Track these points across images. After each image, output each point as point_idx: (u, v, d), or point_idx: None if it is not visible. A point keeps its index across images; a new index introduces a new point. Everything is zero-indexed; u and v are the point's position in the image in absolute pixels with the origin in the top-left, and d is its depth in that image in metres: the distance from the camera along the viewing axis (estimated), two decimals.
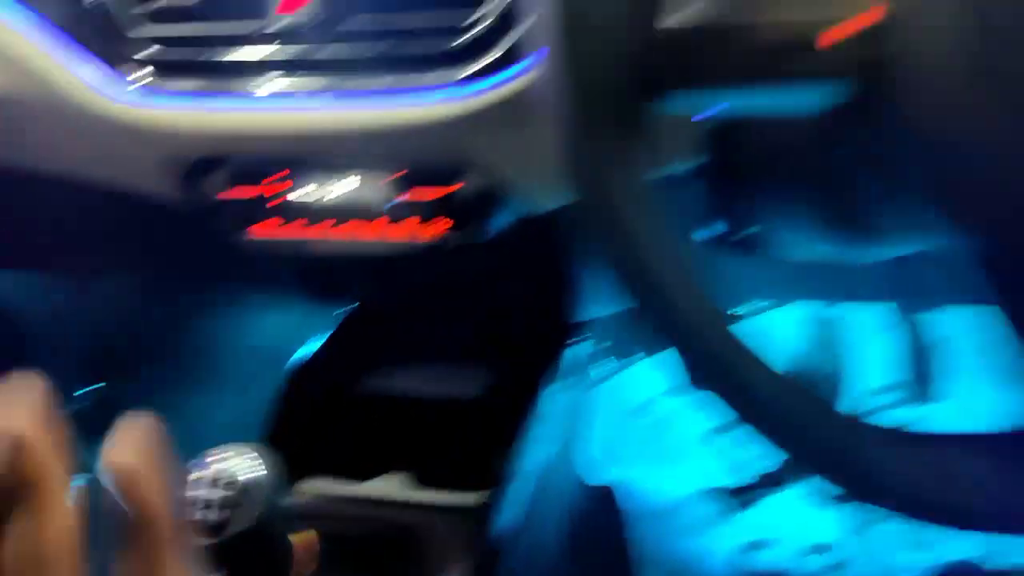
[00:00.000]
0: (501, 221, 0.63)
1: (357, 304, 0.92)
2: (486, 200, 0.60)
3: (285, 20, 0.54)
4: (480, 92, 0.52)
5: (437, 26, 0.52)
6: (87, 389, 1.38)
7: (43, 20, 0.60)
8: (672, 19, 0.29)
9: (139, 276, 1.18)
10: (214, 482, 0.45)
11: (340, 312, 0.93)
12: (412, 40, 0.53)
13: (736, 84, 0.31)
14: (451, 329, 0.88)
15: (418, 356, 0.88)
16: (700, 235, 0.72)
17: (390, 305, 0.91)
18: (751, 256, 0.65)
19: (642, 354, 1.24)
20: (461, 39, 0.52)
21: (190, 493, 0.44)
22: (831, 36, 0.29)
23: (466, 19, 0.52)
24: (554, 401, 0.82)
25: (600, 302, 0.86)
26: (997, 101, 0.25)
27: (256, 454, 0.47)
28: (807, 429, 0.30)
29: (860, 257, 0.51)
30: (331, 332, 0.91)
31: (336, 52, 0.55)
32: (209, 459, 0.47)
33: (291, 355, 1.37)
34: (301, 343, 1.31)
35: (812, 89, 0.31)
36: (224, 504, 0.44)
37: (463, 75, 0.52)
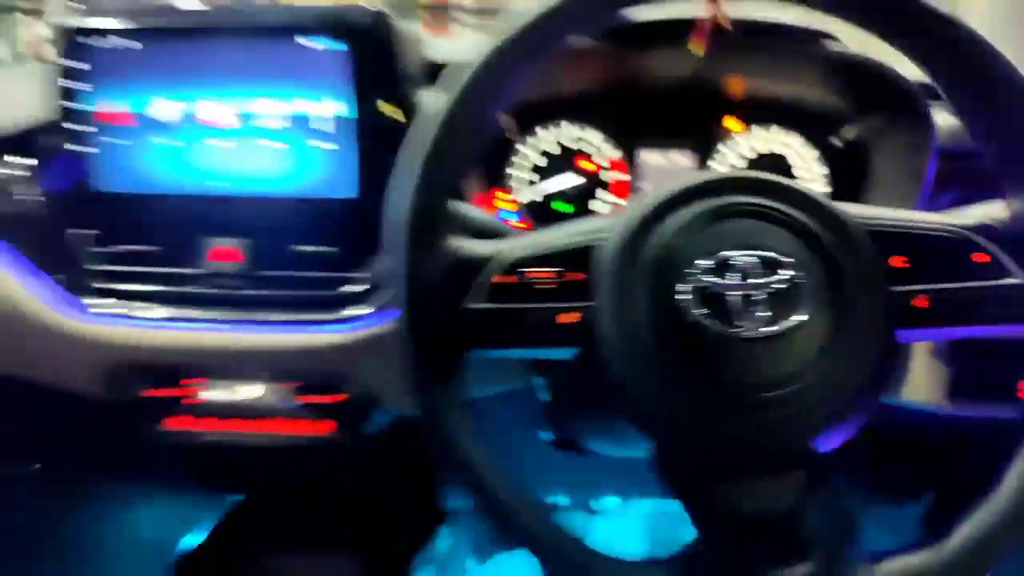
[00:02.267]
0: (375, 424, 0.80)
1: (243, 496, 1.02)
2: (362, 407, 0.77)
3: (215, 266, 0.73)
4: (356, 328, 0.71)
5: (330, 280, 0.73)
6: None
7: (11, 248, 0.76)
8: (473, 302, 0.49)
9: (37, 468, 1.23)
10: None
11: (227, 503, 1.02)
12: (310, 288, 0.73)
13: (513, 346, 0.51)
14: (329, 518, 0.99)
15: (298, 544, 0.98)
16: (535, 437, 0.91)
17: (275, 496, 1.02)
18: (575, 454, 0.84)
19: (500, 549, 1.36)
20: (345, 289, 0.72)
21: None
22: (565, 318, 0.50)
23: (349, 277, 0.73)
24: None
25: (459, 494, 1.01)
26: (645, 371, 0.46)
27: None
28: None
29: (630, 454, 0.71)
30: (216, 523, 1.00)
31: (253, 293, 0.73)
32: None
33: (173, 549, 1.40)
34: (183, 537, 1.35)
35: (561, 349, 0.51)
36: None
37: (345, 315, 0.71)
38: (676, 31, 0.68)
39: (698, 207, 0.47)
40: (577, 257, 0.49)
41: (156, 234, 0.75)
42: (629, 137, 0.81)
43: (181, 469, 0.95)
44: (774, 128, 0.79)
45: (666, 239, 0.47)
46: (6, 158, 0.78)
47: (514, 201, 0.82)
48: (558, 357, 0.51)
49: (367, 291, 0.73)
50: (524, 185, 0.82)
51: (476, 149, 0.51)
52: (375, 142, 0.71)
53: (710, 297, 0.45)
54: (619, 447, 0.77)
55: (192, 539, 0.95)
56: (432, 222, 0.50)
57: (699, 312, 0.45)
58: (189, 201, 0.74)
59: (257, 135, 0.72)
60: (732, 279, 0.45)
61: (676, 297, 0.45)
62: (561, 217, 0.81)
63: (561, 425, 0.82)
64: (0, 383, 0.81)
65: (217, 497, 1.05)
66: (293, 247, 0.73)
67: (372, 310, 0.72)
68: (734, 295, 0.45)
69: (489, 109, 0.51)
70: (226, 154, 0.73)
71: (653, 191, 0.50)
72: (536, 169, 0.83)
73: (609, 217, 0.51)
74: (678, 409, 0.46)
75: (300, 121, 0.72)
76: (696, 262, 0.45)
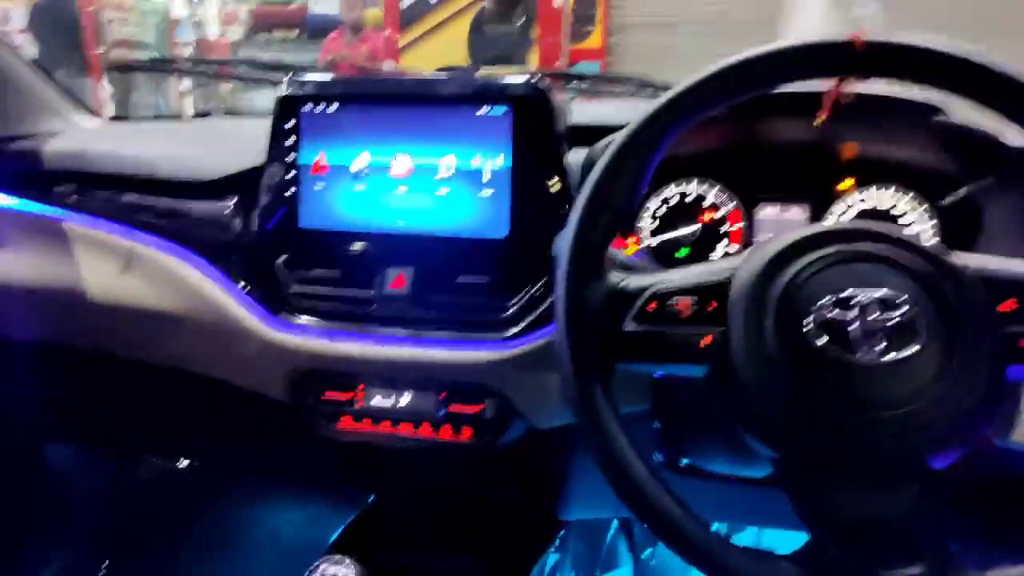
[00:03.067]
0: (509, 435, 0.91)
1: (377, 495, 1.14)
2: (500, 418, 0.89)
3: (389, 291, 0.87)
4: (504, 348, 0.83)
5: (489, 304, 0.85)
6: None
7: (227, 273, 0.93)
8: (628, 325, 0.60)
9: (206, 460, 1.41)
10: None
11: (362, 502, 1.15)
12: (467, 312, 0.86)
13: (659, 362, 0.61)
14: (457, 520, 1.10)
15: (426, 544, 1.09)
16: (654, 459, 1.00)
17: (408, 495, 1.13)
18: (689, 480, 0.92)
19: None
20: (504, 314, 0.85)
21: None
22: (702, 340, 0.60)
23: (500, 303, 0.85)
24: None
25: (584, 507, 1.10)
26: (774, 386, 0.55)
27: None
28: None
29: (752, 473, 0.79)
30: (351, 520, 1.12)
31: (420, 314, 0.87)
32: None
33: (313, 546, 1.54)
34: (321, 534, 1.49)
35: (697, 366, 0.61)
36: None
37: (502, 336, 0.83)
38: (799, 102, 0.77)
39: (822, 251, 0.57)
40: (714, 290, 0.59)
41: (342, 263, 0.90)
42: (748, 192, 0.91)
43: (334, 467, 1.08)
44: (886, 188, 0.87)
45: (794, 276, 0.56)
46: (225, 196, 0.96)
47: (638, 244, 0.93)
48: (693, 373, 0.61)
49: (515, 315, 0.85)
50: (648, 231, 0.93)
51: (629, 199, 0.63)
52: (526, 190, 0.84)
53: (833, 328, 0.54)
54: (737, 465, 0.85)
55: (329, 536, 1.07)
56: (591, 259, 0.62)
57: (823, 341, 0.54)
58: (371, 237, 0.89)
59: (429, 183, 0.87)
60: (852, 314, 0.54)
61: (803, 327, 0.54)
62: (681, 262, 0.91)
63: (675, 446, 0.90)
64: (198, 382, 0.98)
65: (355, 496, 1.17)
66: (454, 277, 0.87)
67: (518, 332, 0.84)
68: (855, 328, 0.53)
69: (642, 165, 0.62)
70: (403, 198, 0.88)
71: (779, 237, 0.60)
72: (661, 217, 0.93)
73: (739, 257, 0.61)
74: (801, 424, 0.54)
75: (464, 172, 0.86)
76: (821, 299, 0.55)
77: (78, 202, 1.01)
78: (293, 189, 0.90)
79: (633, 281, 0.62)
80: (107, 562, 1.54)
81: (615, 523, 1.44)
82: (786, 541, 0.62)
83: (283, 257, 0.92)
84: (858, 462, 0.54)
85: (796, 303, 0.55)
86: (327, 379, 0.91)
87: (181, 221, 0.96)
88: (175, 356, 1.02)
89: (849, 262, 0.56)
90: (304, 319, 0.89)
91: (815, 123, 0.70)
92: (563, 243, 0.62)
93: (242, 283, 0.92)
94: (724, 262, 0.62)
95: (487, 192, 0.85)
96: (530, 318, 0.84)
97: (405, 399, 0.91)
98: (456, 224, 0.87)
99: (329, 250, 0.90)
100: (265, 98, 0.98)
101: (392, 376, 0.90)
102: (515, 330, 0.84)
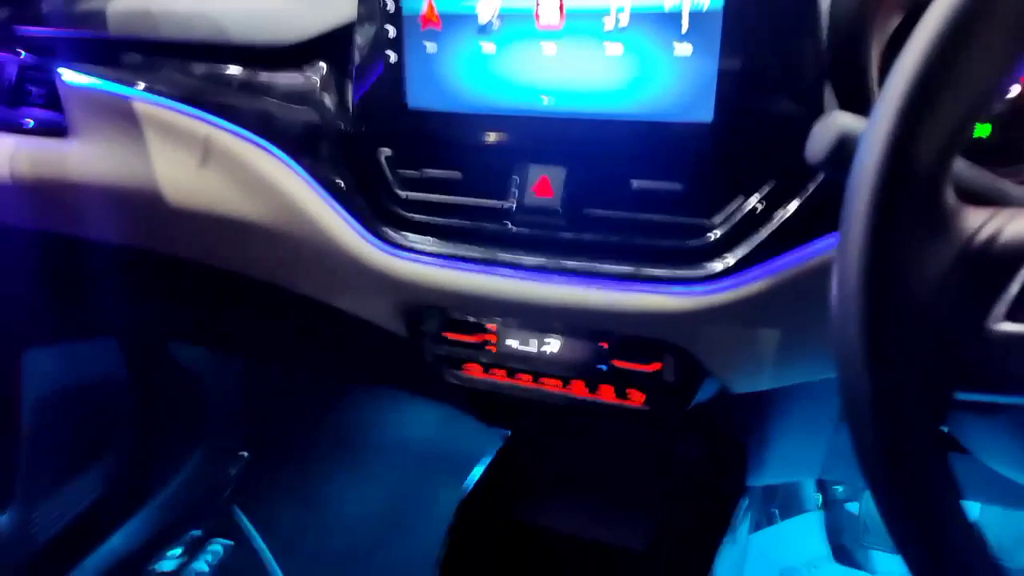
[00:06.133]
0: (697, 400, 0.65)
1: (513, 432, 0.95)
2: (684, 383, 0.63)
3: (531, 201, 0.61)
4: (702, 292, 0.55)
5: (680, 224, 0.57)
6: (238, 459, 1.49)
7: (316, 172, 0.70)
8: (1001, 324, 0.30)
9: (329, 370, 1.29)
10: None
11: (502, 439, 0.96)
12: (645, 236, 0.58)
13: None
14: (622, 475, 0.89)
15: (582, 495, 0.89)
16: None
17: (556, 438, 0.93)
18: None
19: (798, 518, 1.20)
20: (702, 240, 0.56)
21: None
22: None
23: (711, 221, 0.56)
24: (722, 558, 0.81)
25: (767, 473, 0.85)
26: None
27: None
28: None
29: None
30: (494, 459, 0.94)
31: (574, 236, 0.60)
32: None
33: (429, 452, 1.42)
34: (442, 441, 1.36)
35: None
36: None
37: (702, 274, 0.56)
38: None
39: None
40: None
41: (466, 159, 0.64)
42: None
43: (468, 404, 0.89)
44: None
45: None
46: (310, 66, 0.71)
47: None
48: None
49: (720, 243, 0.56)
50: None
51: (1002, 63, 0.31)
52: (743, 45, 0.53)
53: None
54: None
55: (474, 476, 0.90)
56: (925, 184, 0.32)
57: None
58: (505, 120, 0.61)
59: (592, 36, 0.57)
60: None
61: None
62: (980, 147, 0.57)
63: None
64: (308, 302, 0.79)
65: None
66: (627, 182, 0.59)
67: (724, 269, 0.56)
68: None
69: None
70: (553, 62, 0.59)
71: None
72: None
73: None
74: None
75: (648, 18, 0.55)
76: None
77: (148, 78, 0.81)
78: (395, 54, 0.63)
79: (1013, 223, 0.32)
80: (246, 454, 1.51)
81: None
82: None
83: (387, 151, 0.67)
84: None
85: None
86: (447, 317, 0.69)
87: (261, 101, 0.73)
88: (274, 274, 0.83)
89: None
90: (414, 239, 0.65)
91: None
92: (869, 146, 0.32)
93: (338, 185, 0.69)
94: None
95: (684, 48, 0.55)
96: (741, 248, 0.55)
97: (551, 347, 0.67)
98: (631, 102, 0.57)
99: (448, 141, 0.64)
100: None
101: (537, 321, 0.66)
102: (719, 266, 0.56)
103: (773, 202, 0.54)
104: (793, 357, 0.60)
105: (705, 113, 0.55)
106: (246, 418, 1.49)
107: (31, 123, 0.91)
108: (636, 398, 0.66)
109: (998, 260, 0.31)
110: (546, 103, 0.60)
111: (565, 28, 0.57)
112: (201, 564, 1.39)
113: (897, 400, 0.32)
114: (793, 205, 0.54)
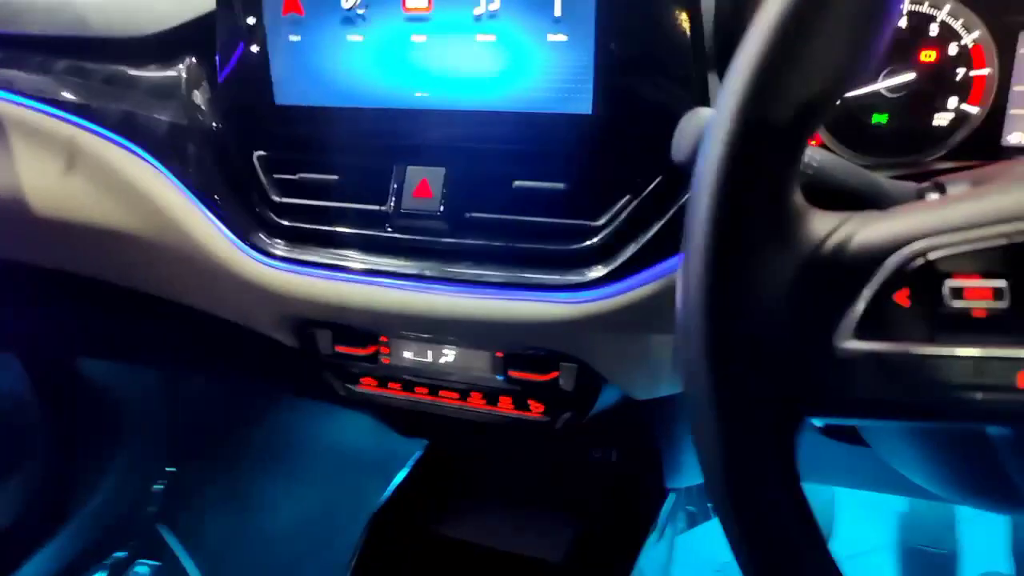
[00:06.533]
0: (599, 407, 0.62)
1: (429, 443, 0.91)
2: (582, 391, 0.59)
3: (410, 204, 0.56)
4: (601, 298, 0.51)
5: (563, 226, 0.53)
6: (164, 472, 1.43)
7: (185, 176, 0.64)
8: (854, 337, 0.27)
9: (234, 377, 1.23)
10: None
11: (419, 451, 0.92)
12: (536, 238, 0.54)
13: (926, 418, 0.29)
14: (536, 482, 0.86)
15: (499, 506, 0.86)
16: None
17: (468, 449, 0.89)
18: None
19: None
20: (587, 243, 0.52)
21: None
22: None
23: (596, 222, 0.52)
24: (646, 560, 0.78)
25: (686, 475, 0.82)
26: None
27: None
28: None
29: None
30: (411, 471, 0.90)
31: (454, 241, 0.56)
32: None
33: (360, 458, 1.38)
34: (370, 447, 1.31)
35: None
36: None
37: (587, 279, 0.51)
38: None
39: None
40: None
41: (340, 159, 0.59)
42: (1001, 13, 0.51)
43: (385, 418, 0.84)
44: None
45: None
46: (175, 60, 0.65)
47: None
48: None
49: (602, 245, 0.52)
50: None
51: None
52: (619, 32, 0.49)
53: None
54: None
55: (390, 487, 0.86)
56: (769, 185, 0.28)
57: None
58: (377, 116, 0.56)
59: (463, 24, 0.52)
60: None
61: None
62: (876, 136, 0.54)
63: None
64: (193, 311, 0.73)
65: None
66: (509, 182, 0.54)
67: (606, 274, 0.52)
68: None
69: None
70: (423, 51, 0.54)
71: None
72: None
73: None
74: None
75: (515, 3, 0.51)
76: None
77: (7, 76, 0.74)
78: (257, 47, 0.58)
79: (871, 229, 0.28)
80: (172, 469, 1.45)
81: None
82: None
83: (259, 152, 0.62)
84: None
85: None
86: (337, 332, 0.63)
87: (125, 99, 0.67)
88: (158, 286, 0.77)
89: None
90: (290, 248, 0.60)
91: None
92: (711, 143, 0.28)
93: (209, 190, 0.63)
94: None
95: (559, 36, 0.50)
96: (628, 250, 0.51)
97: (446, 358, 0.62)
98: (508, 92, 0.53)
99: (322, 140, 0.59)
100: None
101: (424, 331, 0.61)
102: (604, 270, 0.52)
103: (660, 200, 0.51)
104: None
105: (584, 104, 0.51)
106: (169, 431, 1.42)
107: None
108: (535, 409, 0.62)
109: (847, 271, 0.27)
110: (419, 96, 0.55)
111: (434, 14, 0.53)
112: None
113: (742, 426, 0.28)
114: (681, 203, 0.50)
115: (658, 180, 0.51)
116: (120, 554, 1.37)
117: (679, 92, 0.49)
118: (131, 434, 1.35)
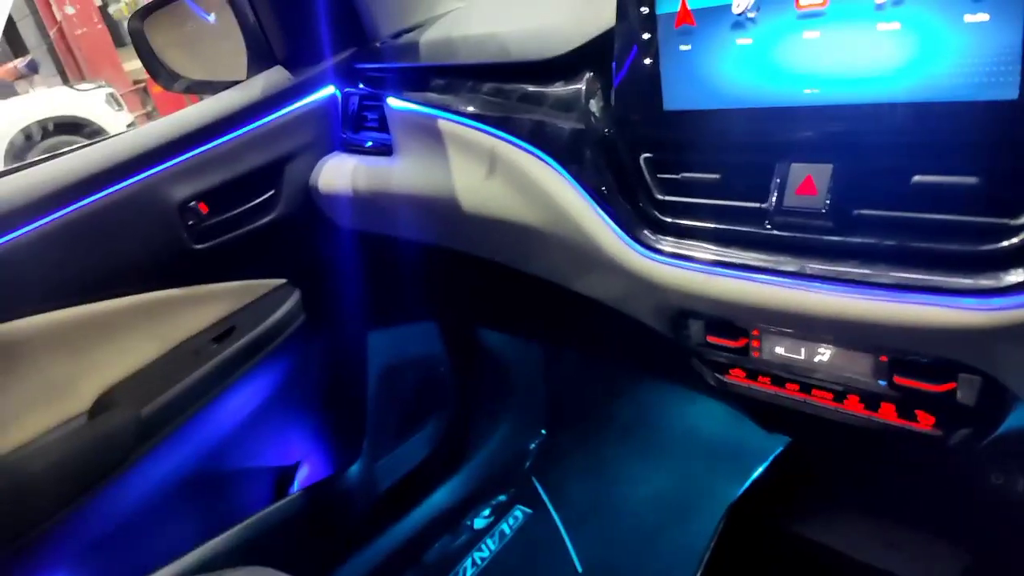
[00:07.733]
0: (1007, 427, 0.55)
1: (791, 441, 0.88)
2: (986, 408, 0.53)
3: (792, 201, 0.56)
4: (1018, 306, 0.46)
5: (974, 225, 0.48)
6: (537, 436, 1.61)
7: (580, 177, 0.73)
8: None
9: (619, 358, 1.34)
10: None
11: (779, 447, 0.90)
12: (938, 238, 0.50)
13: None
14: (911, 498, 0.79)
15: (864, 515, 0.81)
16: None
17: (841, 452, 0.85)
18: None
19: None
20: (1004, 243, 0.47)
21: None
22: None
23: (1015, 221, 0.47)
24: None
25: None
26: None
27: None
28: None
29: None
30: (769, 465, 0.89)
31: (842, 240, 0.54)
32: None
33: (715, 445, 1.39)
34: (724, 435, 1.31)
35: None
36: None
37: (1001, 284, 0.46)
38: None
39: None
40: None
41: (724, 158, 0.61)
42: None
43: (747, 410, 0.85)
44: None
45: None
46: (577, 75, 0.74)
47: None
48: None
49: (1020, 248, 0.46)
50: None
51: None
52: None
53: None
54: None
55: (748, 482, 0.87)
56: None
57: None
58: (764, 115, 0.57)
59: (862, 14, 0.51)
60: None
61: None
62: None
63: None
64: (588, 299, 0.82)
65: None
66: (907, 177, 0.51)
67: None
68: None
69: None
70: (817, 48, 0.53)
71: None
72: None
73: None
74: None
75: None
76: None
77: (448, 100, 0.92)
78: (649, 57, 0.63)
79: None
80: (544, 432, 1.64)
81: None
82: None
83: (646, 155, 0.67)
84: None
85: None
86: (710, 323, 0.66)
87: (533, 112, 0.78)
88: (552, 273, 0.88)
89: None
90: (672, 243, 0.65)
91: None
92: None
93: (600, 190, 0.71)
94: None
95: (978, 16, 0.46)
96: None
97: (821, 357, 0.61)
98: (912, 82, 0.49)
99: (705, 141, 0.62)
100: None
101: (802, 329, 0.61)
102: (1022, 275, 0.46)
103: None
104: None
105: (1008, 90, 0.45)
106: (545, 399, 1.60)
107: (369, 143, 1.09)
108: (924, 421, 0.57)
109: None
110: (808, 93, 0.55)
111: (829, 8, 0.52)
112: (505, 526, 1.54)
113: None
114: None
115: None
116: (502, 497, 1.59)
117: None
118: (517, 396, 1.57)
